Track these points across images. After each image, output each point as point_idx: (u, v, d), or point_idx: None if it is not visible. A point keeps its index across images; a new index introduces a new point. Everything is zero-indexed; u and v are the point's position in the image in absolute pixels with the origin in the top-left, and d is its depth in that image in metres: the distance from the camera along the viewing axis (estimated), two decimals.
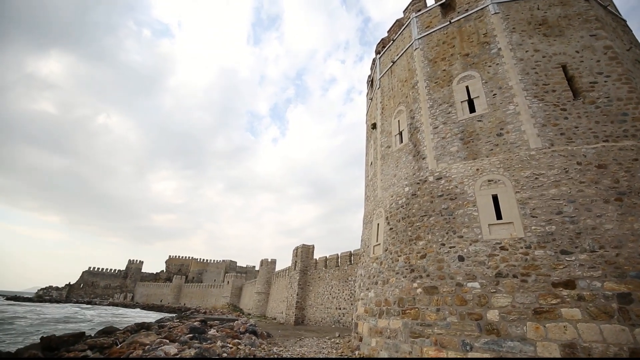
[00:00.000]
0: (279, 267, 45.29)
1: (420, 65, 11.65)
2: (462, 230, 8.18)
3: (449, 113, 10.12)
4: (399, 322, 8.39)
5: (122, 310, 56.74)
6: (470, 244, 7.88)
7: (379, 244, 10.78)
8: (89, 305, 63.25)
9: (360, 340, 9.98)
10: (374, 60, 16.28)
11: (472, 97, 9.82)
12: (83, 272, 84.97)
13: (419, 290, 8.27)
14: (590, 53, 9.03)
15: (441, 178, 9.37)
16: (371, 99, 16.39)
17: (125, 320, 31.45)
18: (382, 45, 15.31)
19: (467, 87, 10.05)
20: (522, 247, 7.21)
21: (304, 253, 29.65)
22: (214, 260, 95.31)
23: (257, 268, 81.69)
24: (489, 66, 9.89)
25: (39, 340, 12.30)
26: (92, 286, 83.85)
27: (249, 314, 43.10)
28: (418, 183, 9.96)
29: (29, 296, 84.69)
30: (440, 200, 9.05)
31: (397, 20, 14.46)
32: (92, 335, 14.82)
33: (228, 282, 65.95)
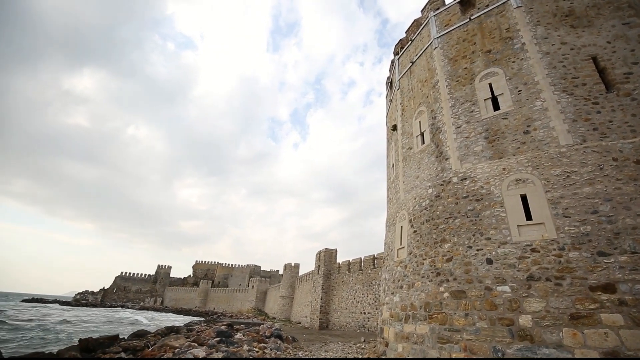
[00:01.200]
0: (302, 271, 45.50)
1: (441, 65, 11.45)
2: (490, 232, 7.92)
3: (472, 112, 9.87)
4: (425, 327, 8.21)
5: (158, 314, 59.00)
6: (499, 246, 7.61)
7: (403, 247, 10.62)
8: (134, 310, 66.18)
9: (386, 345, 9.84)
10: (392, 61, 16.17)
11: (495, 95, 9.53)
12: (116, 277, 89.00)
13: (446, 294, 8.06)
14: (624, 43, 8.54)
15: (466, 179, 9.13)
16: (391, 101, 16.26)
17: (165, 323, 32.64)
18: (401, 46, 15.19)
19: (490, 85, 9.77)
20: (555, 249, 6.88)
21: (327, 257, 29.62)
22: (238, 265, 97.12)
23: (280, 272, 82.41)
24: (513, 62, 9.57)
25: (77, 342, 13.03)
26: (125, 290, 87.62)
27: (274, 318, 43.47)
28: (442, 184, 9.76)
29: (68, 300, 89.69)
30: (465, 201, 8.82)
31: (415, 20, 14.32)
32: (126, 338, 15.52)
33: (253, 286, 66.91)
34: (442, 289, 8.23)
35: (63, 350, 11.60)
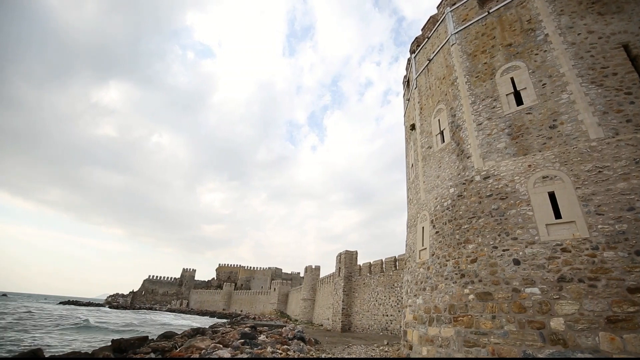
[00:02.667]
0: (322, 273, 45.51)
1: (459, 61, 11.20)
2: (516, 231, 7.63)
3: (494, 108, 9.57)
4: (450, 330, 8.00)
5: (184, 316, 60.69)
6: (526, 246, 7.32)
7: (425, 249, 10.42)
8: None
9: (410, 348, 9.67)
10: (409, 60, 15.97)
11: (518, 89, 9.21)
12: (144, 281, 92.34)
13: (471, 296, 7.83)
14: None
15: (489, 177, 8.85)
16: (408, 100, 16.04)
17: (195, 324, 33.71)
18: (417, 44, 14.97)
19: (512, 79, 9.45)
20: (587, 249, 6.54)
21: (348, 259, 29.49)
22: (260, 268, 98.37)
23: (301, 275, 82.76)
24: (536, 54, 9.22)
25: (110, 343, 13.63)
26: (152, 293, 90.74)
27: (296, 320, 43.66)
28: (464, 183, 9.51)
29: (100, 302, 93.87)
30: (489, 200, 8.55)
31: (430, 17, 14.09)
32: (154, 339, 16.06)
33: (274, 289, 67.56)
34: (467, 290, 8.00)
35: (97, 350, 12.16)
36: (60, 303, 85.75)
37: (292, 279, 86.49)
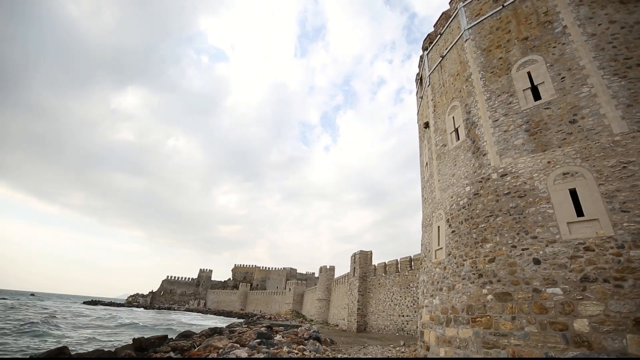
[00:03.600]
0: (337, 273, 45.43)
1: (473, 56, 10.98)
2: (536, 230, 7.43)
3: (510, 103, 9.34)
4: (469, 331, 7.86)
5: (203, 316, 61.98)
6: (547, 245, 7.11)
7: (441, 248, 10.27)
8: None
9: (428, 349, 9.55)
10: (421, 57, 15.77)
11: (535, 84, 8.95)
12: (163, 281, 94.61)
13: (490, 296, 7.66)
14: None
15: (506, 174, 8.65)
16: (421, 98, 15.84)
17: (213, 324, 34.66)
18: (429, 41, 14.77)
19: (528, 73, 9.20)
20: (612, 247, 6.30)
21: (362, 259, 29.35)
22: (275, 268, 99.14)
23: (316, 275, 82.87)
24: (554, 47, 8.94)
25: (132, 342, 14.03)
26: (171, 293, 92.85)
27: (312, 320, 43.76)
28: (480, 181, 9.32)
29: (121, 302, 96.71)
30: (507, 198, 8.35)
31: (443, 13, 13.87)
32: (174, 338, 16.44)
33: (290, 289, 67.91)
34: (485, 291, 7.84)
35: (120, 348, 12.55)
36: (85, 303, 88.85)
37: (307, 279, 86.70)
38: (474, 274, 8.35)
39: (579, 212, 6.99)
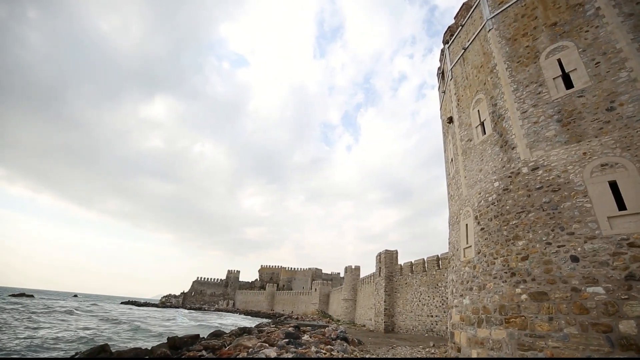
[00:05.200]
0: (363, 273, 45.12)
1: (497, 47, 10.56)
2: (573, 225, 7.02)
3: (539, 93, 8.90)
4: (502, 332, 7.56)
5: (233, 316, 64.07)
6: (585, 242, 6.70)
7: (470, 246, 9.94)
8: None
9: (459, 350, 9.28)
10: (442, 50, 15.37)
11: (567, 71, 8.47)
12: (193, 282, 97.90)
13: (524, 296, 7.33)
14: None
15: (538, 168, 8.24)
16: (444, 92, 15.43)
17: (246, 324, 36.27)
18: (450, 34, 14.36)
19: (559, 61, 8.72)
20: None
21: (388, 259, 28.97)
22: (300, 268, 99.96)
23: (341, 275, 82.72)
24: (586, 31, 8.42)
25: (166, 340, 14.64)
26: (201, 294, 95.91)
27: (338, 321, 43.72)
28: (509, 176, 8.95)
29: (155, 302, 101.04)
30: (539, 193, 7.96)
31: (464, 4, 13.44)
32: (205, 337, 16.99)
33: (315, 289, 68.18)
34: (518, 290, 7.51)
35: (155, 347, 13.14)
36: (122, 303, 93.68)
37: (332, 279, 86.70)
38: (505, 272, 8.02)
39: (621, 206, 6.54)
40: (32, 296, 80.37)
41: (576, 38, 8.55)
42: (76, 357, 11.30)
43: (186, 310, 72.21)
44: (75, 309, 47.24)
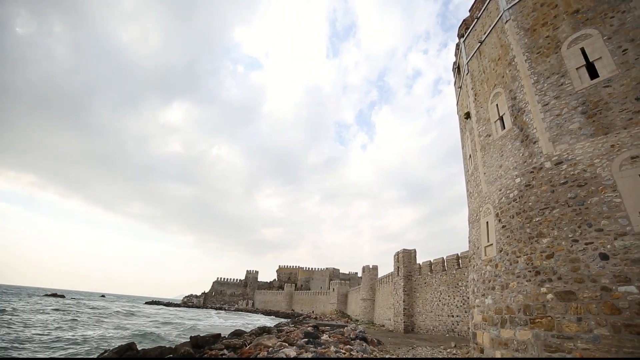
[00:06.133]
0: (380, 273, 44.75)
1: (515, 38, 10.22)
2: (601, 222, 6.71)
3: (562, 85, 8.55)
4: (527, 332, 7.31)
5: (253, 315, 65.40)
6: (615, 239, 6.39)
7: (491, 245, 9.68)
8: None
9: (482, 351, 9.05)
10: (457, 45, 15.03)
11: (591, 60, 8.10)
12: (213, 282, 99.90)
13: (550, 295, 7.07)
14: None
15: (562, 162, 7.92)
16: (460, 87, 15.09)
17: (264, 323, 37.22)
18: (465, 27, 14.02)
19: (582, 50, 8.35)
20: None
21: (406, 258, 28.59)
22: (318, 268, 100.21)
23: (359, 274, 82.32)
24: (611, 17, 8.03)
25: (189, 339, 14.99)
26: (221, 294, 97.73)
27: (357, 320, 43.52)
28: (531, 172, 8.64)
29: (177, 302, 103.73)
30: (564, 188, 7.65)
31: None
32: (226, 336, 17.29)
33: (333, 289, 68.15)
34: (544, 289, 7.25)
35: (179, 345, 13.49)
36: (146, 303, 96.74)
37: (350, 279, 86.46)
38: (529, 271, 7.76)
39: None
40: (63, 296, 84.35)
41: (600, 25, 8.17)
42: (105, 355, 11.74)
43: (214, 311, 74.46)
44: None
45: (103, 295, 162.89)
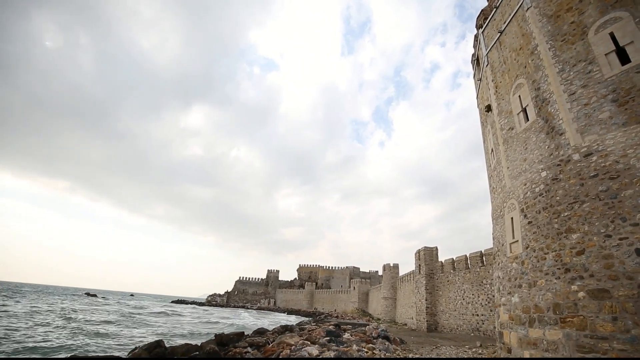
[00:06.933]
0: (402, 271, 44.20)
1: (538, 26, 9.81)
2: (637, 216, 6.35)
3: (590, 72, 8.13)
4: (558, 332, 7.03)
5: (280, 315, 66.49)
6: None
7: (517, 241, 9.36)
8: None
9: (509, 351, 8.78)
10: (475, 36, 14.60)
11: (621, 45, 7.65)
12: (236, 282, 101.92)
13: (581, 293, 6.76)
14: None
15: (591, 154, 7.54)
16: (479, 80, 14.65)
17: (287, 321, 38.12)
18: (484, 17, 13.59)
19: (611, 34, 7.90)
20: None
21: (427, 256, 28.09)
22: (338, 267, 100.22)
23: (379, 273, 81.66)
24: None
25: (214, 337, 15.38)
26: (243, 293, 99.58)
27: (378, 319, 43.21)
28: (558, 164, 8.28)
29: (202, 301, 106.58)
30: (594, 181, 7.29)
31: None
32: (249, 334, 17.62)
33: (354, 287, 67.96)
34: (574, 287, 6.94)
35: (204, 343, 13.85)
36: (172, 302, 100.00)
37: (371, 278, 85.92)
38: (559, 268, 7.45)
39: None
40: (95, 295, 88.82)
41: (631, 7, 7.70)
42: (136, 351, 12.24)
43: (242, 310, 76.81)
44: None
45: (132, 295, 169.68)
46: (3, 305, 34.93)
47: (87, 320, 27.57)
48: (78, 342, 17.86)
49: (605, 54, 7.90)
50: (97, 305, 49.99)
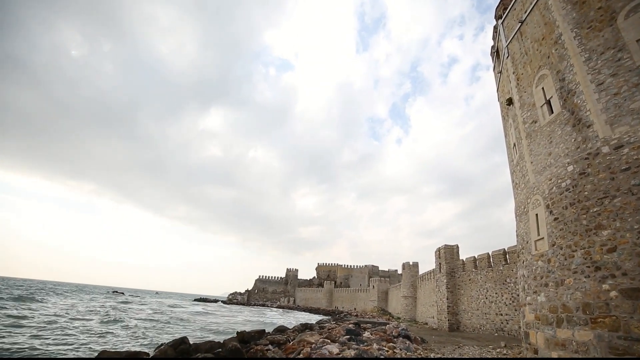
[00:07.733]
0: (421, 269, 43.54)
1: (562, 13, 9.39)
2: None
3: (619, 60, 7.71)
4: (588, 333, 6.74)
5: (301, 314, 67.39)
6: None
7: (542, 238, 9.03)
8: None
9: (535, 352, 8.50)
10: (495, 27, 14.14)
11: None
12: (255, 280, 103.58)
13: (613, 293, 6.45)
14: None
15: (622, 146, 7.16)
16: (500, 72, 14.19)
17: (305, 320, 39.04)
18: (503, 8, 13.14)
19: None
20: None
21: (448, 254, 27.54)
22: (357, 266, 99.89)
23: (399, 272, 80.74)
24: None
25: (235, 335, 15.72)
26: (263, 291, 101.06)
27: (398, 318, 42.79)
28: (586, 158, 7.92)
29: (223, 299, 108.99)
30: (626, 175, 6.92)
31: None
32: (270, 332, 17.89)
33: (373, 286, 67.57)
34: (606, 286, 6.63)
35: (227, 340, 14.19)
36: (195, 300, 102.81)
37: (390, 276, 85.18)
38: (588, 266, 7.13)
39: None
40: (122, 293, 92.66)
41: None
42: (161, 347, 12.69)
43: (266, 309, 78.75)
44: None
45: (157, 293, 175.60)
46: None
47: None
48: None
49: (637, 40, 7.46)
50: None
